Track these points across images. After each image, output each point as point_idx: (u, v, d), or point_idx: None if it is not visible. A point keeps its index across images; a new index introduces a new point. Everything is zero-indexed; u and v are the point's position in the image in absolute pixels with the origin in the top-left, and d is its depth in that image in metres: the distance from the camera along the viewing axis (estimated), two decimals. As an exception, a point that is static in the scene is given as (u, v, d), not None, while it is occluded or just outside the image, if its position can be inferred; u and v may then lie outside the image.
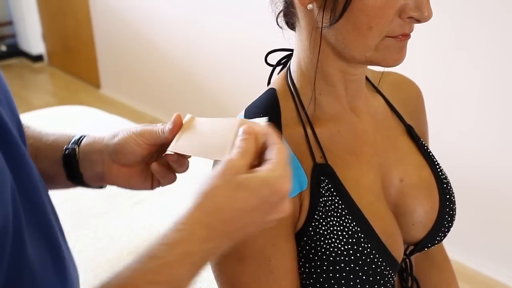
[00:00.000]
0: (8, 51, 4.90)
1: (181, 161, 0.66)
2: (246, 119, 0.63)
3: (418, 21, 0.64)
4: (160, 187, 0.70)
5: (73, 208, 1.63)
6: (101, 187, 0.73)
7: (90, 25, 4.03)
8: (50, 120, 2.31)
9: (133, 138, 0.66)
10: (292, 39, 0.75)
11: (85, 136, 0.71)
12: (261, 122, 0.60)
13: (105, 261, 1.40)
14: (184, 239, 0.48)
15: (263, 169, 0.52)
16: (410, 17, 0.63)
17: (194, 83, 3.26)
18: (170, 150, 0.64)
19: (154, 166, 0.67)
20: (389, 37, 0.65)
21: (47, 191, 0.60)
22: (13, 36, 4.95)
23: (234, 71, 2.95)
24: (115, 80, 4.04)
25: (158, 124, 0.69)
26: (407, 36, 0.66)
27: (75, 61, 4.45)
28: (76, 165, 0.69)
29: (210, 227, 0.50)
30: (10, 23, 4.92)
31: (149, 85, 3.68)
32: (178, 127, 0.65)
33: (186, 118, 0.68)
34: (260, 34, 2.67)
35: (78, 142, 0.70)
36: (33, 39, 4.76)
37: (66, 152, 0.69)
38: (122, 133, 0.68)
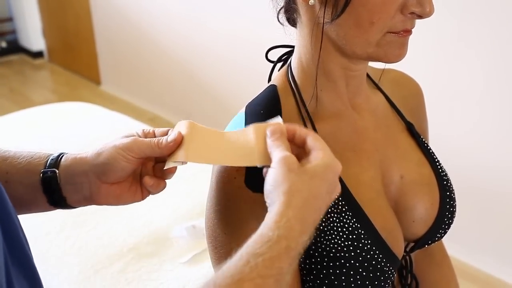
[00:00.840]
0: (8, 47, 4.90)
1: (173, 168, 0.65)
2: (258, 124, 0.63)
3: (420, 16, 0.64)
4: (150, 195, 0.68)
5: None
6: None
7: (90, 21, 4.03)
8: (50, 117, 2.31)
9: (121, 154, 0.63)
10: (292, 36, 0.75)
11: (62, 156, 0.66)
12: (277, 120, 0.63)
13: (106, 258, 1.40)
14: (284, 235, 0.51)
15: (317, 157, 0.57)
16: (412, 13, 0.63)
17: (195, 79, 3.26)
18: (179, 160, 0.61)
19: (147, 180, 0.65)
20: (390, 32, 0.65)
21: (19, 222, 0.57)
22: (13, 32, 4.94)
23: (234, 68, 2.95)
24: (115, 76, 4.03)
25: (141, 131, 0.67)
26: (408, 32, 0.65)
27: (75, 58, 4.44)
28: (58, 190, 0.65)
29: (303, 220, 0.53)
30: (10, 19, 4.92)
31: (150, 81, 3.67)
32: (178, 144, 0.63)
33: (181, 125, 0.65)
34: (261, 30, 2.67)
35: (57, 163, 0.65)
36: (33, 35, 4.75)
37: (45, 176, 0.64)
38: (108, 151, 0.64)
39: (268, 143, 0.59)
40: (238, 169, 0.65)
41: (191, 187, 1.72)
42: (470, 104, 2.02)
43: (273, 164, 0.56)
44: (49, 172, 0.64)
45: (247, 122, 0.70)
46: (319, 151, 0.57)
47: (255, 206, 0.64)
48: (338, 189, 0.59)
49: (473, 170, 2.06)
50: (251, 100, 0.74)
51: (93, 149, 0.66)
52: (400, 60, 0.67)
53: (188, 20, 3.14)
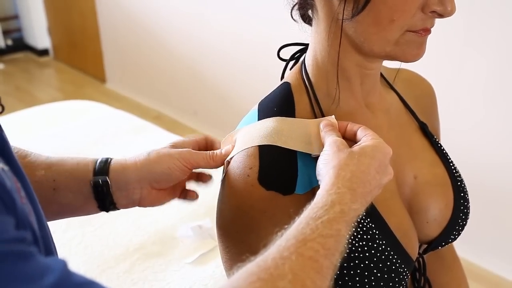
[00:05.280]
0: (13, 45, 4.90)
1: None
2: (314, 119, 0.69)
3: (441, 16, 0.63)
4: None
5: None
6: None
7: (95, 19, 4.03)
8: (56, 115, 2.31)
9: (177, 165, 0.68)
10: (301, 34, 0.74)
11: (109, 161, 0.69)
12: (331, 118, 0.68)
13: (111, 257, 1.39)
14: (337, 201, 0.55)
15: (367, 140, 0.62)
16: (433, 12, 0.62)
17: (200, 78, 3.25)
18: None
19: (192, 192, 0.77)
20: (410, 31, 0.63)
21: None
22: (19, 30, 4.95)
23: (239, 65, 2.93)
24: (121, 74, 4.03)
25: (191, 140, 0.74)
26: (428, 31, 0.64)
27: (80, 56, 4.44)
28: (109, 196, 0.68)
29: (352, 190, 0.56)
30: (15, 17, 4.92)
31: (155, 79, 3.67)
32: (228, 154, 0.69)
33: (230, 138, 0.72)
34: (266, 28, 2.66)
35: (105, 169, 0.68)
36: (38, 33, 4.76)
37: (96, 183, 0.67)
38: (165, 160, 0.68)
39: (322, 134, 0.64)
40: (251, 166, 0.65)
41: (197, 187, 1.71)
42: (475, 102, 2.00)
43: (324, 147, 0.62)
44: (100, 181, 0.67)
45: (260, 119, 0.69)
46: (368, 136, 0.62)
47: (268, 204, 0.63)
48: (390, 172, 0.62)
49: (481, 169, 2.04)
50: (263, 97, 0.73)
51: (141, 155, 0.69)
52: (418, 59, 0.66)
53: (193, 18, 3.13)
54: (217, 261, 1.38)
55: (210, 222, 1.51)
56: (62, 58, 4.73)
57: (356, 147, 0.61)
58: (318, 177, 0.60)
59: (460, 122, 2.05)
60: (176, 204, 1.62)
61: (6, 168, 0.41)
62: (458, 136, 2.05)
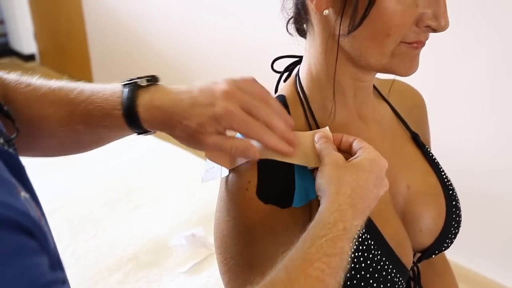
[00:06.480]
0: (-1, 51, 4.86)
1: None
2: (305, 132, 0.69)
3: (435, 30, 0.64)
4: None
5: (71, 214, 1.61)
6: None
7: (83, 24, 4.00)
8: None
9: None
10: (293, 44, 0.74)
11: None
12: (325, 130, 0.68)
13: (105, 268, 1.39)
14: (339, 218, 0.56)
15: (364, 153, 0.62)
16: (427, 26, 0.63)
17: (189, 82, 3.23)
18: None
19: None
20: (404, 42, 0.64)
21: None
22: (5, 35, 4.90)
23: (229, 71, 2.93)
24: (109, 79, 3.90)
25: None
26: (421, 43, 0.65)
27: (67, 61, 4.41)
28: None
29: (353, 206, 0.58)
30: (1, 22, 4.87)
31: (143, 84, 3.64)
32: None
33: None
34: (256, 34, 2.66)
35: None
36: (24, 38, 4.71)
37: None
38: None
39: (317, 146, 0.65)
40: (250, 180, 0.65)
41: (190, 195, 1.71)
42: (471, 108, 2.01)
43: (322, 163, 0.62)
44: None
45: None
46: (364, 149, 0.63)
47: (266, 217, 0.64)
48: (386, 184, 0.63)
49: (472, 175, 2.06)
50: None
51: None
52: (412, 73, 0.67)
53: (183, 23, 3.12)
54: (211, 270, 1.38)
55: (203, 230, 1.51)
56: (49, 63, 4.68)
57: (353, 161, 0.61)
58: (318, 193, 0.61)
59: (445, 126, 2.07)
60: (168, 213, 1.63)
61: (27, 196, 0.39)
62: (446, 141, 2.07)
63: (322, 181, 0.60)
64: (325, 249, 0.53)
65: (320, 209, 0.58)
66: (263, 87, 0.67)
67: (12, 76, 0.69)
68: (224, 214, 0.67)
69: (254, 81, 0.65)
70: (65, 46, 4.37)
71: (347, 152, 0.65)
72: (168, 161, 1.93)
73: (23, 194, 0.38)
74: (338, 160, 0.61)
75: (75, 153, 0.74)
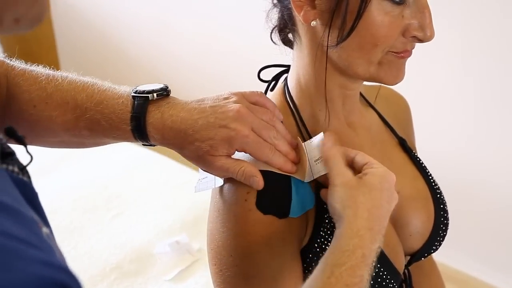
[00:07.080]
0: (-38, 56, 4.70)
1: None
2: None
3: (421, 41, 0.65)
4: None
5: (51, 225, 1.57)
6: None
7: (51, 28, 3.91)
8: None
9: None
10: (275, 48, 0.75)
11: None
12: (319, 137, 0.67)
13: (87, 279, 1.36)
14: (359, 245, 0.56)
15: (371, 170, 0.62)
16: (413, 36, 0.65)
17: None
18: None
19: None
20: (391, 52, 0.66)
21: None
22: (-32, 40, 4.75)
23: (207, 77, 2.91)
24: (79, 84, 3.91)
25: None
26: (408, 52, 0.67)
27: (35, 66, 4.31)
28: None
29: (371, 229, 0.58)
30: (-36, 26, 4.72)
31: (116, 89, 3.58)
32: None
33: None
34: (234, 38, 2.64)
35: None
36: (-11, 43, 4.58)
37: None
38: None
39: (327, 165, 0.63)
40: (248, 191, 0.65)
41: (171, 202, 1.70)
42: (464, 112, 1.99)
43: (332, 183, 0.61)
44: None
45: None
46: (370, 165, 0.63)
47: (265, 228, 0.64)
48: (395, 197, 0.63)
49: (463, 178, 2.06)
50: None
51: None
52: (398, 82, 0.69)
53: (157, 27, 3.08)
54: (196, 277, 1.38)
55: (186, 237, 1.50)
56: (16, 69, 4.57)
57: (364, 179, 0.61)
58: (333, 217, 0.61)
59: (448, 132, 2.06)
60: (150, 220, 1.61)
61: (47, 230, 0.37)
62: (432, 144, 2.08)
63: (336, 205, 0.60)
64: (345, 279, 0.54)
65: (337, 234, 0.59)
66: (271, 102, 0.69)
67: (17, 69, 0.68)
68: (219, 225, 0.67)
69: (262, 96, 0.68)
70: (33, 51, 4.26)
71: (350, 167, 0.65)
72: (148, 168, 1.91)
73: (45, 230, 0.36)
74: (349, 180, 0.61)
75: (75, 148, 0.75)
